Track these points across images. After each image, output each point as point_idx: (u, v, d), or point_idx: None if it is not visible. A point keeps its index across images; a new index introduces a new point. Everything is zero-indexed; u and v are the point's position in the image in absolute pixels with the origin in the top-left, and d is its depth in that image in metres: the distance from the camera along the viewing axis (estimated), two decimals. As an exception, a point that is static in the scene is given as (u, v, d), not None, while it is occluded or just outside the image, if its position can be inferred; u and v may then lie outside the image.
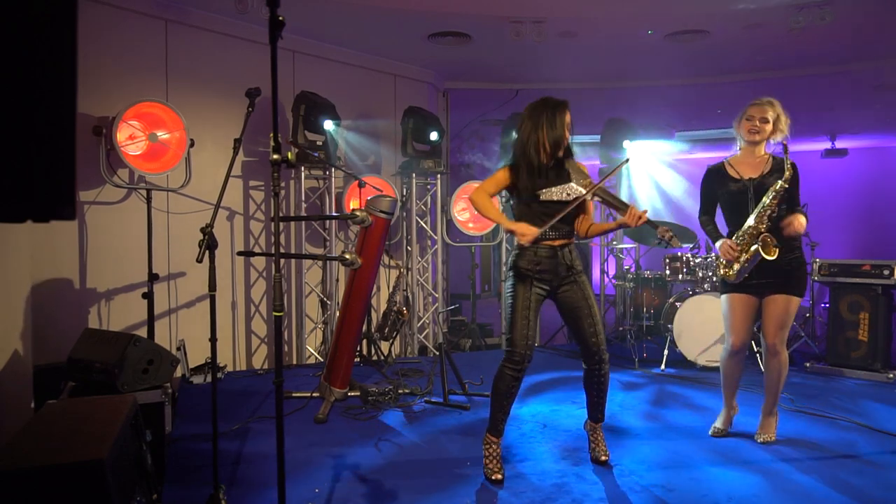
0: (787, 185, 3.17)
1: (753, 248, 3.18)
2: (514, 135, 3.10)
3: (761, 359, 5.26)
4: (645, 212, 2.89)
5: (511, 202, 3.12)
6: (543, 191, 2.93)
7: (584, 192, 2.94)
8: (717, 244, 3.34)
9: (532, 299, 2.96)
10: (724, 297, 3.45)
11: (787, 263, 3.25)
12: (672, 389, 4.72)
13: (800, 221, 3.15)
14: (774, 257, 3.14)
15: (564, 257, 3.00)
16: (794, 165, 3.25)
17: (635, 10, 5.20)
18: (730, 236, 3.35)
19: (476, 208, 3.01)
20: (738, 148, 3.42)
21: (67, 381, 3.25)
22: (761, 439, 3.44)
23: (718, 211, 3.50)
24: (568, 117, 2.97)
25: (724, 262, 3.33)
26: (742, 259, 3.23)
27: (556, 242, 2.99)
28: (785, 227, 3.17)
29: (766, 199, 3.19)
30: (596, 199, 3.02)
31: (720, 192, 3.39)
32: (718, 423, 3.59)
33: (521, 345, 2.92)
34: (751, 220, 3.23)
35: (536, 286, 2.98)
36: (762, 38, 5.72)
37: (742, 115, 3.35)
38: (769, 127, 3.26)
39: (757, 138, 3.28)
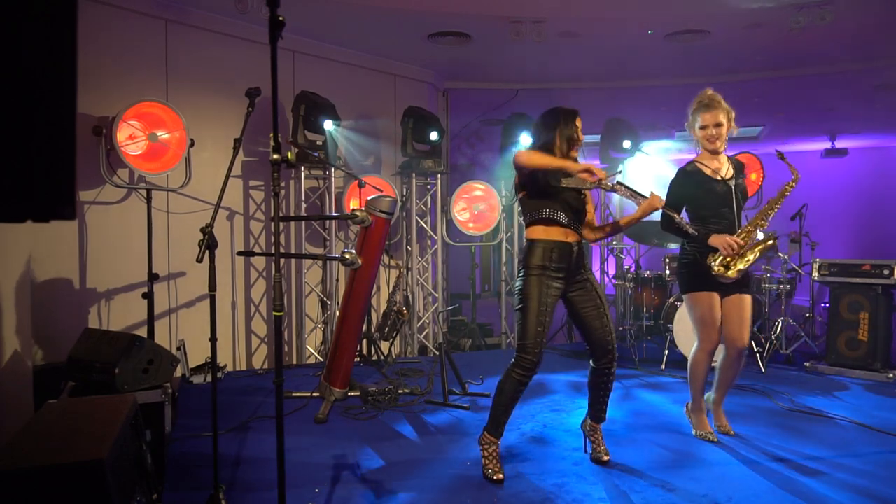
0: (794, 186, 3.32)
1: (770, 243, 3.24)
2: (530, 137, 3.16)
3: (761, 358, 5.26)
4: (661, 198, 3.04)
5: (517, 198, 3.12)
6: (564, 180, 2.94)
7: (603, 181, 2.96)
8: (712, 240, 3.25)
9: (549, 302, 2.92)
10: (693, 295, 3.39)
11: None
12: (672, 389, 4.71)
13: None
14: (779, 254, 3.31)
15: (577, 255, 3.01)
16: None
17: (635, 10, 5.20)
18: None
19: (530, 163, 2.89)
20: (698, 149, 3.45)
21: (67, 381, 3.25)
22: (726, 430, 3.51)
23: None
24: (579, 122, 3.08)
25: (718, 259, 3.27)
26: (751, 258, 3.23)
27: (569, 238, 2.98)
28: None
29: (779, 202, 3.31)
30: (615, 191, 3.04)
31: (697, 192, 3.37)
32: (708, 428, 3.51)
33: (535, 351, 2.88)
34: (755, 219, 3.29)
35: (553, 286, 2.94)
36: (762, 38, 5.72)
37: (695, 122, 3.35)
38: (724, 130, 3.31)
39: (717, 145, 3.32)
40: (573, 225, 2.99)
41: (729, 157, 3.46)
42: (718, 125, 3.28)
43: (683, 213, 3.45)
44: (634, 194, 3.08)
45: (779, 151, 3.38)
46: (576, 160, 3.04)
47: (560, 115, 3.06)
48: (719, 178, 3.34)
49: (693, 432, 3.58)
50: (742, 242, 3.23)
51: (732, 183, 3.34)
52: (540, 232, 2.98)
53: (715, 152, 3.35)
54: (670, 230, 3.39)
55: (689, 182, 3.40)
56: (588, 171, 2.76)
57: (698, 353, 3.47)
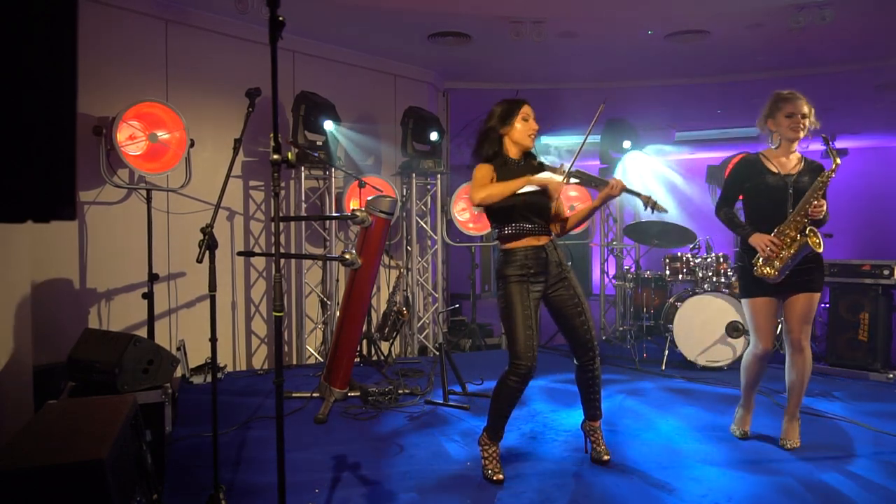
0: (833, 176, 3.15)
1: (802, 239, 3.10)
2: (479, 136, 3.06)
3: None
4: (621, 182, 2.95)
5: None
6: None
7: (560, 177, 2.92)
8: (752, 238, 3.20)
9: (531, 306, 2.91)
10: (747, 301, 3.32)
11: (808, 262, 3.20)
12: (672, 390, 4.71)
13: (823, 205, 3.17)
14: (822, 249, 3.15)
15: (552, 255, 2.98)
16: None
17: (635, 10, 5.20)
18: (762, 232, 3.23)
19: (486, 202, 2.88)
20: (771, 144, 3.32)
21: (67, 381, 3.25)
22: (788, 445, 3.34)
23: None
24: (527, 109, 3.01)
25: (761, 260, 3.19)
26: (786, 255, 3.13)
27: (540, 241, 2.97)
28: (816, 211, 3.14)
29: (817, 194, 3.14)
30: (574, 180, 3.01)
31: (751, 184, 3.28)
32: (745, 427, 3.51)
33: (527, 357, 2.86)
34: (793, 214, 3.16)
35: (532, 290, 2.93)
36: (762, 38, 5.72)
37: (778, 112, 3.23)
38: (808, 121, 3.21)
39: (801, 134, 3.22)
40: (539, 226, 2.98)
41: (804, 158, 3.32)
42: (804, 116, 3.19)
43: (739, 207, 3.38)
44: (593, 181, 3.05)
45: (825, 137, 3.24)
46: (531, 156, 3.06)
47: (497, 114, 3.01)
48: (777, 170, 3.25)
49: (731, 427, 3.60)
50: (778, 242, 3.14)
51: (792, 179, 3.23)
52: (511, 242, 2.97)
53: (794, 140, 3.24)
54: (721, 220, 3.37)
55: (746, 171, 3.32)
56: (550, 181, 2.80)
57: (750, 355, 3.41)
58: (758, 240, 3.19)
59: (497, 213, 2.97)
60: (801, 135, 3.22)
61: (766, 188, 3.24)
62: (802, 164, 3.30)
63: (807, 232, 3.14)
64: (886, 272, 4.86)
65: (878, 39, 5.79)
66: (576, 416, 3.92)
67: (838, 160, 3.16)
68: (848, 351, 5.04)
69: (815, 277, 3.28)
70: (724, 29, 5.51)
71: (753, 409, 3.57)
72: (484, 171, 2.97)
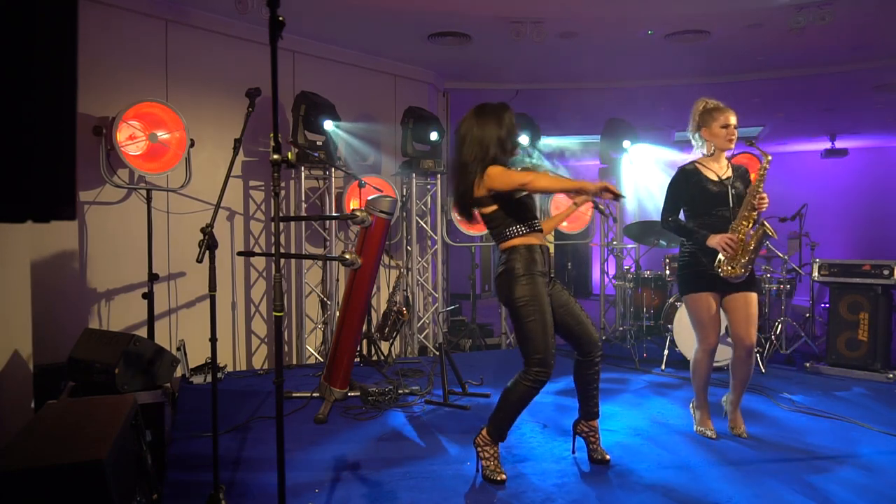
0: (768, 168, 3.31)
1: (759, 231, 3.24)
2: (469, 139, 2.96)
3: (761, 358, 5.26)
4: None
5: (481, 212, 2.98)
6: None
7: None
8: (710, 241, 3.29)
9: (547, 310, 2.89)
10: (690, 297, 3.43)
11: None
12: (672, 390, 4.71)
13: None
14: (776, 236, 3.34)
15: (547, 255, 3.02)
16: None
17: (635, 10, 5.20)
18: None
19: (530, 185, 2.73)
20: (703, 152, 3.46)
21: (67, 381, 3.25)
22: (738, 432, 3.50)
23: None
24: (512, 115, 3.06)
25: (723, 259, 3.29)
26: (749, 249, 3.25)
27: (544, 241, 3.01)
28: (762, 203, 3.30)
29: (758, 187, 3.29)
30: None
31: (694, 192, 3.40)
32: (710, 431, 3.53)
33: (551, 363, 2.84)
34: (741, 211, 3.31)
35: (545, 289, 2.93)
36: (762, 38, 5.72)
37: (713, 122, 3.38)
38: (736, 131, 3.40)
39: (733, 145, 3.41)
40: (538, 227, 3.00)
41: (730, 161, 3.50)
42: (735, 126, 3.37)
43: (680, 213, 3.51)
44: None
45: (748, 138, 3.43)
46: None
47: (503, 114, 3.00)
48: (716, 178, 3.40)
49: (694, 427, 3.63)
50: (735, 238, 3.26)
51: (729, 184, 3.39)
52: (527, 239, 2.92)
53: (728, 150, 3.42)
54: (670, 229, 3.48)
55: (687, 181, 3.44)
56: (606, 189, 2.63)
57: (698, 353, 3.52)
58: (716, 240, 3.29)
59: (516, 209, 2.91)
60: (733, 145, 3.42)
61: (710, 195, 3.38)
62: (730, 167, 3.48)
63: (760, 222, 3.29)
64: (886, 272, 4.87)
65: (878, 39, 5.79)
66: (576, 415, 3.92)
67: (769, 157, 3.34)
68: (848, 351, 5.04)
69: (751, 279, 3.40)
70: (724, 29, 5.51)
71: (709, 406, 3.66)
72: (501, 168, 2.87)
